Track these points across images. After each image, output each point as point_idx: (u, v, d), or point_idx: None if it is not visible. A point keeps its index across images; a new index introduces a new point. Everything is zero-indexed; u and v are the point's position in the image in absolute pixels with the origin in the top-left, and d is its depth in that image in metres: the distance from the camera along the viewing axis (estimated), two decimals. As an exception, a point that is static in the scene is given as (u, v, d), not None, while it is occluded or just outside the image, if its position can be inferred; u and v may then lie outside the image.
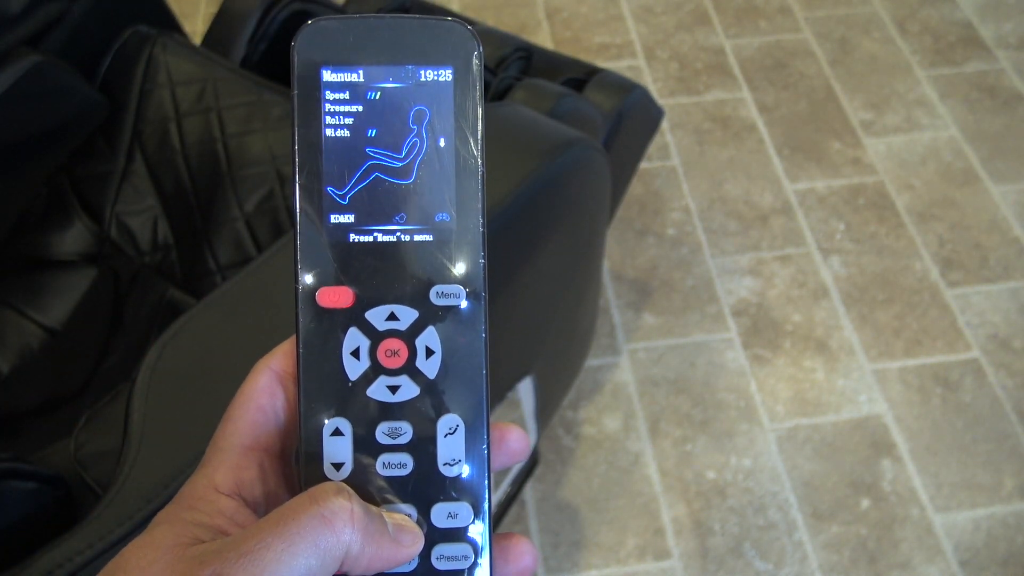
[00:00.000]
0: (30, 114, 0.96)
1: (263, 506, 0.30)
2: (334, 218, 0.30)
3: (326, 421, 0.30)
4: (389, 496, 0.30)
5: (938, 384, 1.36)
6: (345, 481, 0.30)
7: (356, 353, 0.30)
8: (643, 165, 1.63)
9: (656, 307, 1.45)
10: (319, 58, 0.30)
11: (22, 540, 0.60)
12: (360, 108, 0.30)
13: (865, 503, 1.24)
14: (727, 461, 1.28)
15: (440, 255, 0.30)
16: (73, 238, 1.02)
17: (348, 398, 0.30)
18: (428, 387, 0.30)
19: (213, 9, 1.19)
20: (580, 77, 1.12)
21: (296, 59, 0.30)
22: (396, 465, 0.30)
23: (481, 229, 0.31)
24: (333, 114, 0.30)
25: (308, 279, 0.30)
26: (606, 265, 1.49)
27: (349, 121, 0.30)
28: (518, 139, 0.83)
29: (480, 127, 0.31)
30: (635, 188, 1.60)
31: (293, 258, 0.30)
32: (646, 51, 1.86)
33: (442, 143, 0.30)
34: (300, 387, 0.30)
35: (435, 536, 0.30)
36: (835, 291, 1.47)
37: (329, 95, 0.30)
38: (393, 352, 0.30)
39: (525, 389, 1.01)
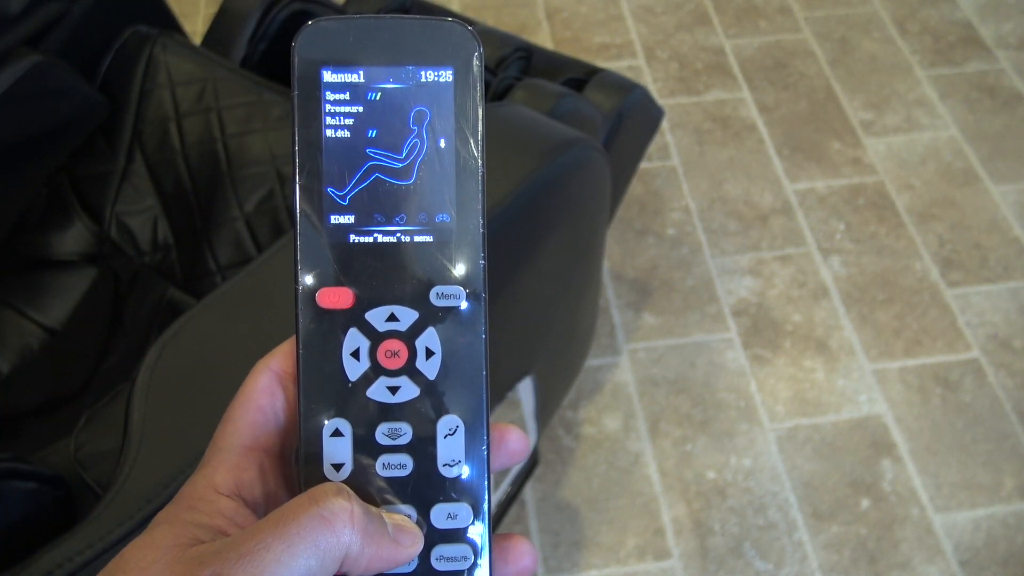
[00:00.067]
0: (30, 114, 0.96)
1: (263, 507, 0.30)
2: (334, 219, 0.30)
3: (326, 422, 0.30)
4: (389, 497, 0.30)
5: (938, 384, 1.36)
6: (345, 482, 0.30)
7: (356, 354, 0.30)
8: (643, 165, 1.63)
9: (656, 307, 1.45)
10: (319, 58, 0.30)
11: (22, 540, 0.60)
12: (360, 109, 0.30)
13: (865, 503, 1.24)
14: (727, 461, 1.28)
15: (440, 256, 0.30)
16: (73, 238, 1.02)
17: (348, 399, 0.30)
18: (428, 388, 0.30)
19: (213, 9, 1.19)
20: (580, 77, 1.12)
21: (296, 59, 0.30)
22: (396, 466, 0.30)
23: (481, 230, 0.31)
24: (333, 115, 0.30)
25: (308, 280, 0.30)
26: (606, 265, 1.49)
27: (349, 122, 0.30)
28: (518, 139, 0.83)
29: (480, 128, 0.31)
30: (635, 188, 1.60)
31: (293, 259, 0.30)
32: (646, 51, 1.86)
33: (442, 144, 0.30)
34: (300, 388, 0.30)
35: (435, 537, 0.30)
36: (835, 291, 1.47)
37: (329, 96, 0.30)
38: (393, 353, 0.30)
39: (525, 389, 1.01)
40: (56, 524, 0.62)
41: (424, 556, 0.30)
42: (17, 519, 0.63)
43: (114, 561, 0.27)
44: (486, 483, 0.31)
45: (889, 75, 1.80)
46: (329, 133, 0.30)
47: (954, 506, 1.24)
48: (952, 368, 1.38)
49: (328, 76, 0.30)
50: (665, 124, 1.71)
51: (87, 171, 1.03)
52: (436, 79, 0.30)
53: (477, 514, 0.30)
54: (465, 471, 0.30)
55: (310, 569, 0.26)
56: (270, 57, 1.11)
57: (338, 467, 0.30)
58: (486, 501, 0.30)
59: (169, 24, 1.10)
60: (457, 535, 0.30)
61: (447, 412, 0.30)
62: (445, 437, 0.30)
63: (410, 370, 0.30)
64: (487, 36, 1.13)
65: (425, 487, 0.30)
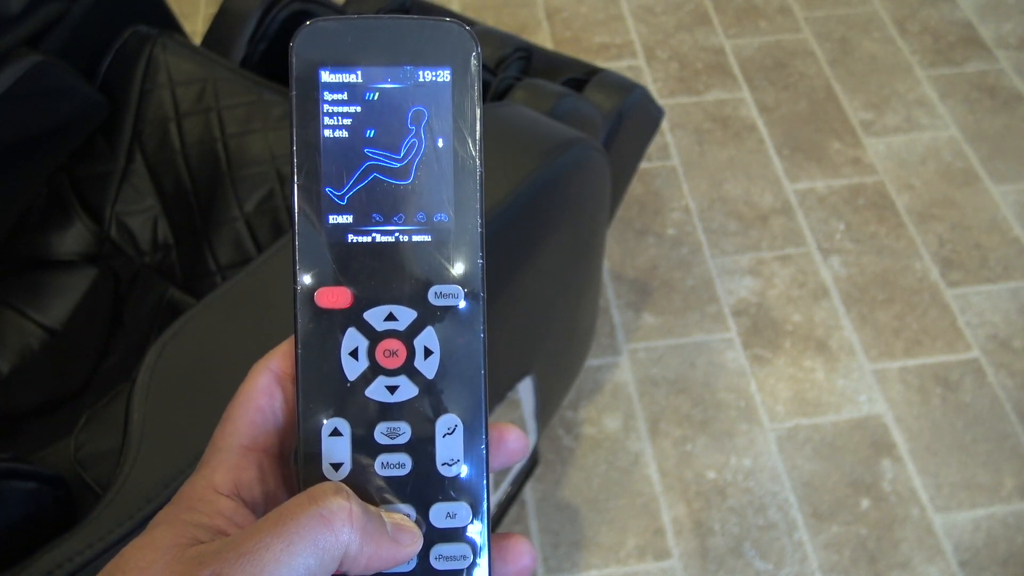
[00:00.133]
0: (30, 114, 0.96)
1: (262, 506, 0.30)
2: (332, 219, 0.30)
3: (325, 421, 0.30)
4: (388, 496, 0.30)
5: (938, 384, 1.36)
6: (344, 481, 0.30)
7: (355, 353, 0.30)
8: (643, 165, 1.63)
9: (656, 307, 1.45)
10: (317, 59, 0.30)
11: (22, 540, 0.60)
12: (358, 109, 0.30)
13: (865, 503, 1.24)
14: (727, 461, 1.28)
15: (438, 255, 0.31)
16: (73, 238, 1.02)
17: (347, 398, 0.30)
18: (427, 387, 0.30)
19: (213, 9, 1.19)
20: (580, 77, 1.12)
21: (294, 60, 0.30)
22: (395, 465, 0.30)
23: (479, 229, 0.31)
24: (331, 115, 0.30)
25: (307, 279, 0.30)
26: (606, 265, 1.49)
27: (347, 122, 0.30)
28: (518, 139, 0.83)
29: (478, 127, 0.31)
30: (635, 188, 1.60)
31: (292, 259, 0.30)
32: (646, 51, 1.86)
33: (440, 144, 0.30)
34: (299, 387, 0.30)
35: (434, 536, 0.30)
36: (835, 291, 1.47)
37: (327, 96, 0.30)
38: (392, 352, 0.30)
39: (525, 389, 1.01)
40: (56, 524, 0.62)
41: (423, 555, 0.30)
42: (17, 519, 0.63)
43: (113, 561, 0.27)
44: (485, 482, 0.31)
45: (889, 75, 1.80)
46: (327, 133, 0.30)
47: (954, 506, 1.24)
48: (952, 368, 1.38)
49: (326, 76, 0.30)
50: (665, 124, 1.71)
51: (87, 171, 1.03)
52: (434, 79, 0.30)
53: (476, 513, 0.30)
54: (464, 470, 0.30)
55: (309, 568, 0.26)
56: (270, 57, 1.11)
57: (337, 466, 0.30)
58: (485, 500, 0.30)
59: (169, 24, 1.10)
60: (456, 534, 0.30)
61: (446, 411, 0.31)
62: (444, 436, 0.30)
63: (409, 369, 0.30)
64: (487, 36, 1.13)
65: (424, 486, 0.30)
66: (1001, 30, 1.89)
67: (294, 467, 0.31)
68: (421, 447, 0.30)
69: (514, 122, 0.86)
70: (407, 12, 1.19)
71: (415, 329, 0.30)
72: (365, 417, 0.30)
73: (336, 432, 0.30)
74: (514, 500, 1.22)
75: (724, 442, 1.30)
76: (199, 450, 0.31)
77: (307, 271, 0.30)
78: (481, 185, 0.31)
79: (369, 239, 0.30)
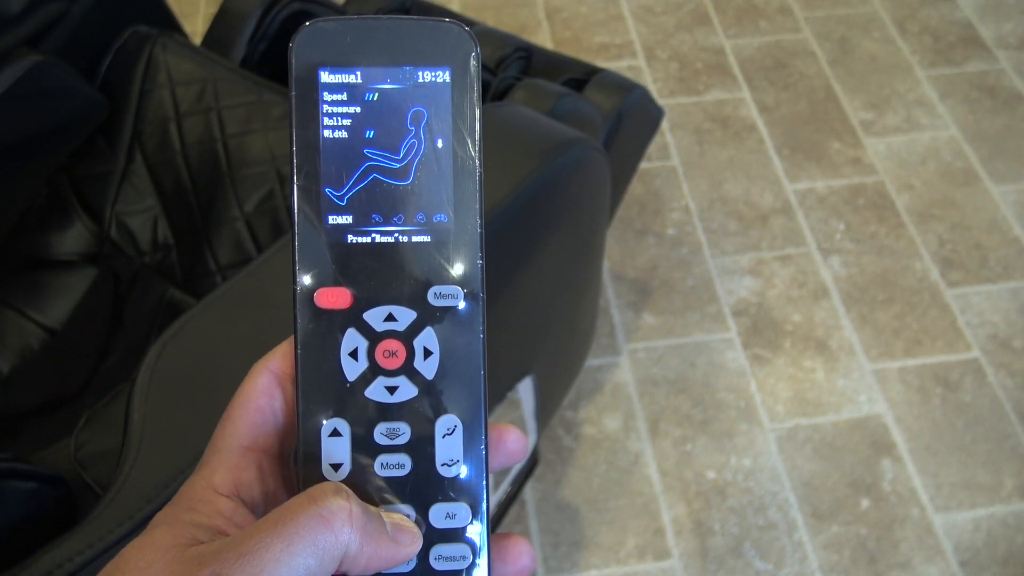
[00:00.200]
0: (30, 114, 0.96)
1: (262, 507, 0.30)
2: (332, 219, 0.30)
3: (324, 422, 0.30)
4: (387, 496, 0.30)
5: (938, 384, 1.36)
6: (343, 482, 0.30)
7: (354, 354, 0.30)
8: (643, 165, 1.63)
9: (656, 307, 1.45)
10: (317, 59, 0.30)
11: (22, 540, 0.60)
12: (358, 109, 0.30)
13: (865, 503, 1.24)
14: (727, 461, 1.28)
15: (438, 256, 0.31)
16: (73, 238, 1.02)
17: (346, 399, 0.30)
18: (426, 388, 0.31)
19: (213, 9, 1.19)
20: (580, 77, 1.12)
21: (294, 61, 0.30)
22: (394, 466, 0.30)
23: (479, 230, 0.31)
24: (331, 115, 0.30)
25: (306, 280, 0.30)
26: (606, 265, 1.49)
27: (347, 122, 0.30)
28: (518, 139, 0.83)
29: (478, 128, 0.31)
30: (635, 188, 1.60)
31: (291, 259, 0.30)
32: (646, 51, 1.86)
33: (440, 144, 0.30)
34: (298, 388, 0.30)
35: (433, 536, 0.30)
36: (835, 291, 1.47)
37: (327, 96, 0.30)
38: (391, 353, 0.30)
39: (525, 389, 1.01)
40: (56, 524, 0.62)
41: (423, 556, 0.30)
42: (17, 519, 0.63)
43: (113, 562, 0.27)
44: (484, 483, 0.31)
45: (889, 75, 1.80)
46: (327, 134, 0.30)
47: (954, 506, 1.24)
48: (952, 368, 1.38)
49: (326, 77, 0.30)
50: (665, 124, 1.71)
51: (87, 171, 1.03)
52: (433, 79, 0.30)
53: (476, 514, 0.30)
54: (463, 471, 0.30)
55: (309, 568, 0.26)
56: (270, 57, 1.11)
57: (336, 467, 0.30)
58: (484, 501, 0.30)
59: (169, 24, 1.10)
60: (456, 535, 0.30)
61: (445, 412, 0.31)
62: (443, 437, 0.30)
63: (408, 370, 0.30)
64: (487, 36, 1.13)
65: (424, 487, 0.30)
66: (1001, 30, 1.89)
67: (294, 467, 0.31)
68: (421, 447, 0.30)
69: (514, 122, 0.86)
70: (407, 12, 1.19)
71: (415, 330, 0.30)
72: (365, 417, 0.30)
73: (336, 432, 0.30)
74: (514, 500, 1.22)
75: (724, 442, 1.30)
76: (199, 450, 0.31)
77: (307, 272, 0.30)
78: (480, 186, 0.31)
79: (369, 239, 0.30)
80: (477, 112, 0.31)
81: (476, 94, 0.31)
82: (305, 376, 0.30)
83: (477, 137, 0.31)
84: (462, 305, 0.31)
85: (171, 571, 0.26)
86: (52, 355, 0.97)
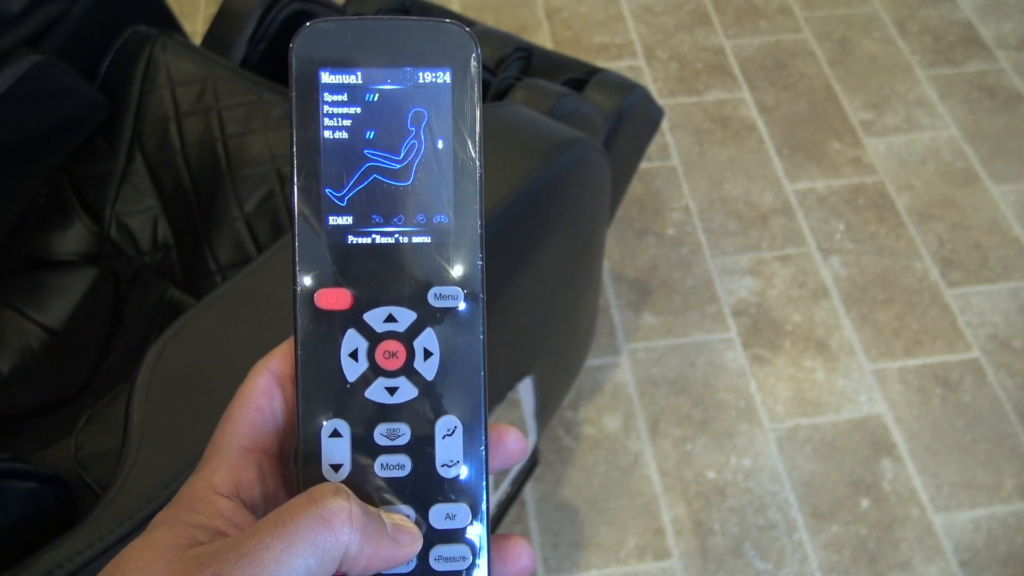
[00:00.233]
0: (30, 114, 0.96)
1: (262, 507, 0.30)
2: (332, 220, 0.30)
3: (324, 422, 0.30)
4: (387, 497, 0.30)
5: (938, 384, 1.36)
6: (343, 482, 0.30)
7: (354, 355, 0.30)
8: (643, 165, 1.63)
9: (656, 307, 1.45)
10: (317, 60, 0.30)
11: (22, 540, 0.60)
12: (358, 110, 0.30)
13: (865, 503, 1.24)
14: (727, 461, 1.28)
15: (438, 257, 0.31)
16: (73, 238, 1.02)
17: (346, 400, 0.30)
18: (426, 389, 0.31)
19: (213, 9, 1.19)
20: (580, 77, 1.12)
21: (294, 61, 0.30)
22: (394, 466, 0.30)
23: (479, 231, 0.31)
24: (331, 116, 0.30)
25: (306, 281, 0.30)
26: (606, 265, 1.49)
27: (347, 123, 0.30)
28: (518, 139, 0.83)
29: (478, 129, 0.31)
30: (635, 188, 1.60)
31: (291, 260, 0.30)
32: (646, 51, 1.86)
33: (440, 145, 0.30)
34: (298, 388, 0.30)
35: (433, 537, 0.30)
36: (835, 291, 1.47)
37: (327, 97, 0.30)
38: (391, 354, 0.30)
39: (525, 389, 1.01)
40: (56, 524, 0.62)
41: (422, 556, 0.30)
42: (17, 519, 0.63)
43: (113, 562, 0.27)
44: (484, 483, 0.31)
45: (889, 75, 1.80)
46: (327, 134, 0.30)
47: (954, 506, 1.24)
48: (952, 368, 1.38)
49: (326, 77, 0.30)
50: (665, 124, 1.71)
51: (87, 171, 1.03)
52: (434, 80, 0.30)
53: (475, 514, 0.30)
54: (463, 472, 0.30)
55: (309, 568, 0.26)
56: (270, 57, 1.11)
57: (337, 468, 0.30)
58: (484, 501, 0.30)
59: (169, 24, 1.10)
60: (455, 535, 0.30)
61: (445, 413, 0.31)
62: (443, 438, 0.30)
63: (408, 371, 0.30)
64: (487, 36, 1.13)
65: (423, 487, 0.30)
66: (1001, 30, 1.89)
67: (294, 468, 0.31)
68: (421, 448, 0.30)
69: (514, 122, 0.86)
70: (407, 12, 1.19)
71: (415, 330, 0.30)
72: (365, 418, 0.30)
73: (336, 433, 0.30)
74: (514, 500, 1.22)
75: (724, 442, 1.30)
76: (199, 450, 0.31)
77: (307, 272, 0.30)
78: (481, 186, 0.31)
79: (369, 240, 0.30)
80: (478, 113, 0.31)
81: (476, 95, 0.31)
82: (305, 377, 0.30)
83: (477, 138, 0.31)
84: (462, 306, 0.31)
85: (171, 571, 0.26)
86: (52, 355, 0.97)
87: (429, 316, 0.30)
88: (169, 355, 0.65)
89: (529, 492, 1.25)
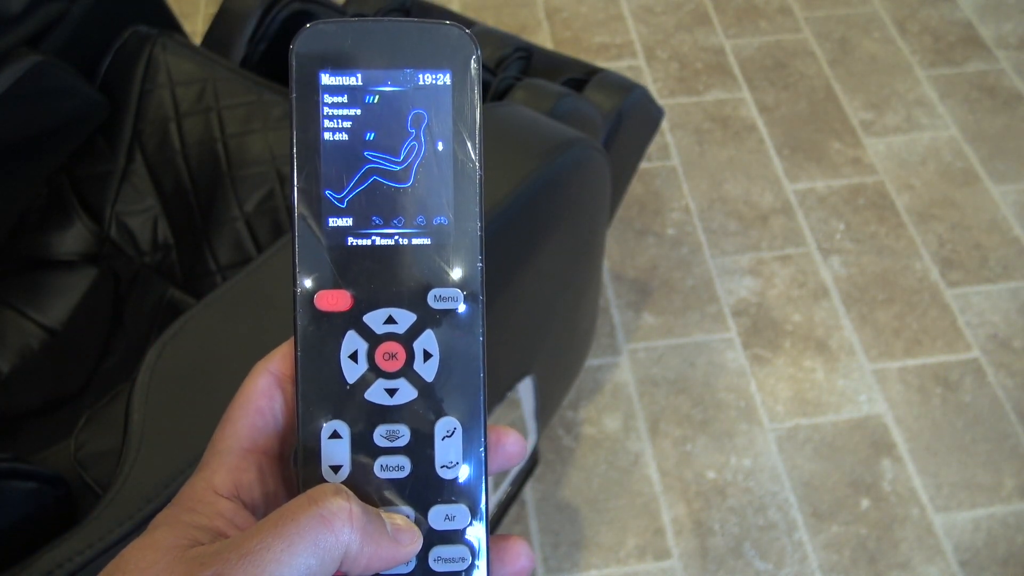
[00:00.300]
0: (30, 114, 0.96)
1: (262, 508, 0.30)
2: (332, 221, 0.30)
3: (324, 424, 0.30)
4: (387, 498, 0.30)
5: (938, 384, 1.36)
6: (343, 483, 0.30)
7: (354, 356, 0.30)
8: (643, 165, 1.63)
9: (656, 307, 1.45)
10: (318, 61, 0.30)
11: (22, 540, 0.60)
12: (358, 111, 0.30)
13: (865, 503, 1.25)
14: (727, 461, 1.28)
15: (438, 258, 0.31)
16: (73, 238, 1.02)
17: (346, 401, 0.30)
18: (426, 390, 0.31)
19: (213, 9, 1.19)
20: (580, 77, 1.12)
21: (294, 62, 0.30)
22: (394, 467, 0.30)
23: (479, 232, 0.31)
24: (331, 117, 0.30)
25: (306, 282, 0.30)
26: (606, 265, 1.49)
27: (347, 124, 0.30)
28: (518, 139, 0.83)
29: (478, 130, 0.31)
30: (635, 188, 1.60)
31: (291, 261, 0.30)
32: (646, 51, 1.86)
33: (440, 147, 0.30)
34: (298, 390, 0.30)
35: (433, 538, 0.30)
36: (835, 291, 1.47)
37: (327, 98, 0.30)
38: (391, 355, 0.30)
39: (525, 389, 1.01)
40: (56, 524, 0.62)
41: (422, 557, 0.30)
42: (17, 519, 0.63)
43: (114, 562, 0.27)
44: (483, 485, 0.31)
45: (889, 75, 1.80)
46: (327, 136, 0.30)
47: (954, 506, 1.24)
48: (952, 368, 1.38)
49: (326, 79, 0.30)
50: (665, 124, 1.71)
51: (87, 171, 1.03)
52: (434, 82, 0.30)
53: (475, 515, 0.30)
54: (463, 473, 0.30)
55: (310, 568, 0.26)
56: (270, 57, 1.11)
57: (336, 469, 0.30)
58: (483, 502, 0.31)
59: (169, 24, 1.10)
60: (455, 536, 0.30)
61: (445, 414, 0.31)
62: (443, 439, 0.30)
63: (408, 372, 0.30)
64: (487, 36, 1.13)
65: (423, 489, 0.30)
66: (1001, 30, 1.89)
67: (294, 469, 0.31)
68: (420, 450, 0.30)
69: (514, 122, 0.86)
70: (407, 13, 1.19)
71: (414, 332, 0.31)
72: (364, 419, 0.30)
73: (335, 434, 0.30)
74: (514, 500, 1.22)
75: (724, 442, 1.30)
76: (199, 450, 0.31)
77: (307, 274, 0.30)
78: (481, 188, 0.31)
79: (369, 242, 0.30)
80: (478, 115, 0.31)
81: (477, 97, 0.31)
82: (305, 378, 0.30)
83: (477, 140, 0.31)
84: (462, 308, 0.31)
85: (172, 571, 0.26)
86: (52, 355, 0.98)
87: (429, 318, 0.31)
88: (169, 355, 0.65)
89: (529, 492, 1.25)
